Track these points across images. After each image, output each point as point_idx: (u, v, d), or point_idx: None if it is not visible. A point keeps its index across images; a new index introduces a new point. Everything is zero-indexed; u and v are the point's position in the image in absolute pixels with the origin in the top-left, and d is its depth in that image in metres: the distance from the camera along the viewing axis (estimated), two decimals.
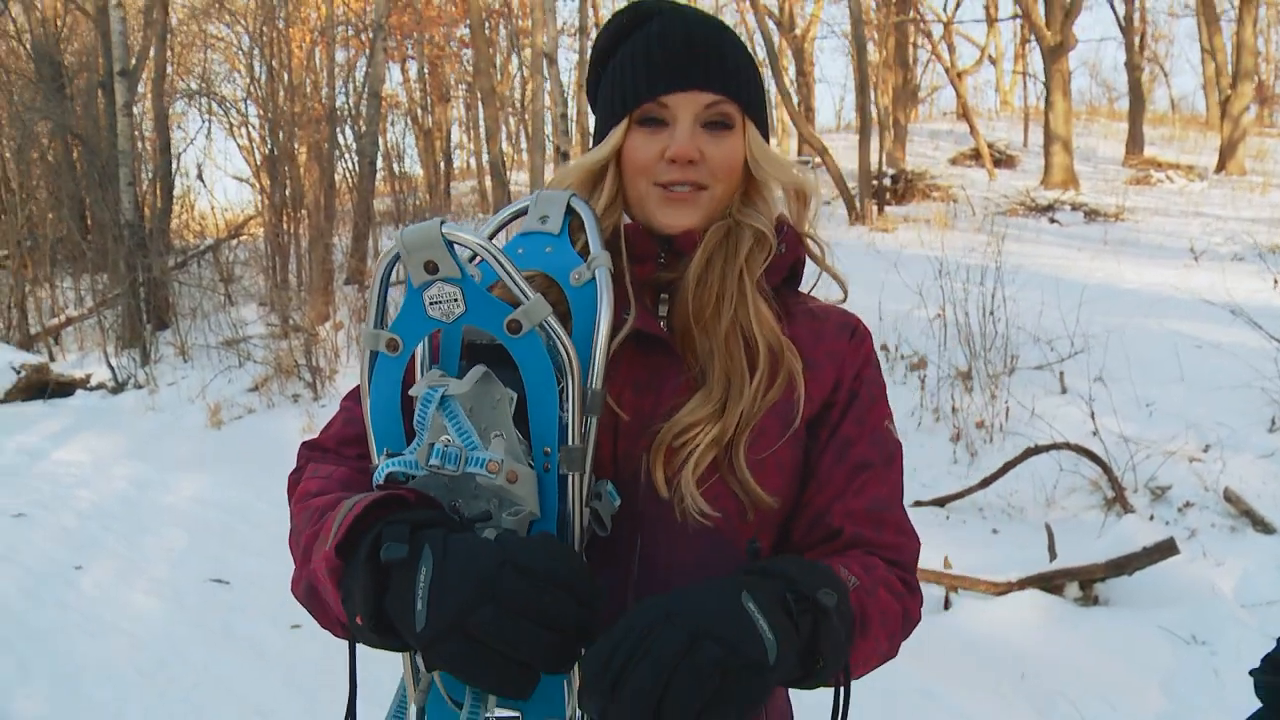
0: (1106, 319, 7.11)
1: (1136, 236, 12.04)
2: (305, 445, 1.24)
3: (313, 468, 1.18)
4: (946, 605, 4.43)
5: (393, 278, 1.08)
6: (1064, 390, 6.12)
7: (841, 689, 1.02)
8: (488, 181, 20.21)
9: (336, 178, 12.99)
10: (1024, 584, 4.39)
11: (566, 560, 0.94)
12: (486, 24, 21.03)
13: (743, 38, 1.48)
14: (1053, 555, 4.62)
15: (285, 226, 12.30)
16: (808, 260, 1.29)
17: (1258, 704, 1.37)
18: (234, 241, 14.54)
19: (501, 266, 1.02)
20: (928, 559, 4.64)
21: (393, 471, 1.02)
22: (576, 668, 1.01)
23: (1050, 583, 4.43)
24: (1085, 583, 4.44)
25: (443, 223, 1.01)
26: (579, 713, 1.06)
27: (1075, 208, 14.01)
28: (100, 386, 10.93)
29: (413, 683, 1.09)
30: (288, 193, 12.29)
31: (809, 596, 0.95)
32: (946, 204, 14.13)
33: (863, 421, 1.20)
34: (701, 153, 1.16)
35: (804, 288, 1.31)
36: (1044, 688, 3.82)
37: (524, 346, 1.02)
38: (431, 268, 1.00)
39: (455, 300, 1.01)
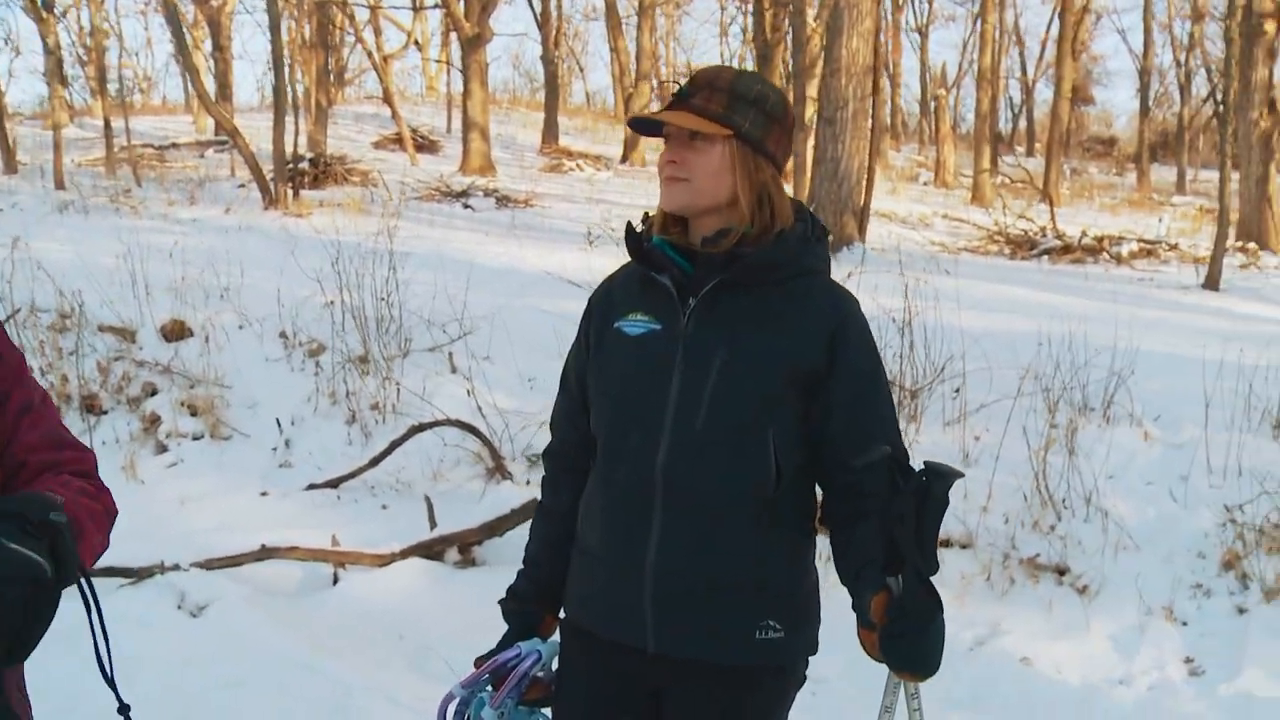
0: (495, 300, 7.74)
1: (542, 221, 13.20)
2: None
3: None
4: (335, 581, 4.62)
5: None
6: (454, 370, 6.58)
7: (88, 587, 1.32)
8: None
9: None
10: (406, 554, 4.73)
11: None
12: None
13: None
14: (433, 524, 5.01)
15: None
16: None
17: None
18: None
19: None
20: (317, 540, 4.81)
21: None
22: None
23: (431, 550, 4.81)
24: (463, 546, 4.89)
25: None
26: None
27: (488, 193, 15.00)
28: None
29: None
30: None
31: (44, 521, 1.21)
32: (366, 188, 14.34)
33: (5, 377, 1.42)
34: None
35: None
36: (418, 645, 4.17)
37: None
38: None
39: None
